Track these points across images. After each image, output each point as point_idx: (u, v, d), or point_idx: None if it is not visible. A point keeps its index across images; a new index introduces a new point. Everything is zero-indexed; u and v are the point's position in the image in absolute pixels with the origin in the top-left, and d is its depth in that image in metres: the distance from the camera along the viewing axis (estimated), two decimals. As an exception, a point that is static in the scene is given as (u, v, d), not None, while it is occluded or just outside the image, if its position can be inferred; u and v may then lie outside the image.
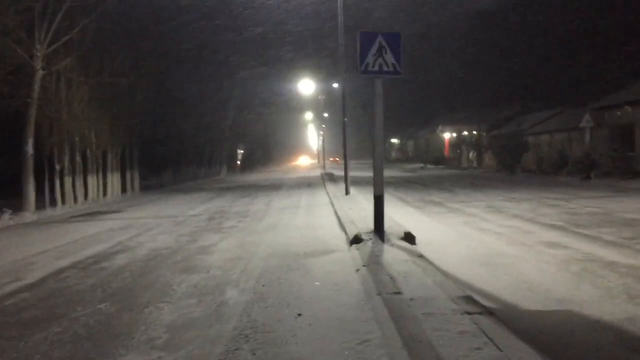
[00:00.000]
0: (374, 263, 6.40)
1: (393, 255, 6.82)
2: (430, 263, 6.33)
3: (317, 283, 6.06)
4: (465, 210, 13.52)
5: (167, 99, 31.61)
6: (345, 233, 9.32)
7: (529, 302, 5.17)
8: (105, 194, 23.93)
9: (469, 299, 4.71)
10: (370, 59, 8.02)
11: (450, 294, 4.88)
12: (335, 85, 50.00)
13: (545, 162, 30.03)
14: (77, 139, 21.31)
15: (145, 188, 29.26)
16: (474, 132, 52.80)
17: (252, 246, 9.13)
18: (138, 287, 6.61)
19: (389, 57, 8.05)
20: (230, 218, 14.00)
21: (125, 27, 23.22)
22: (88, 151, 22.48)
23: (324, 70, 47.06)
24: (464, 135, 54.31)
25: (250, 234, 10.67)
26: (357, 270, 6.34)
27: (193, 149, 40.78)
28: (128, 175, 27.04)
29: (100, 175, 23.61)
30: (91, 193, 22.59)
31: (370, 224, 9.49)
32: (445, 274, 5.87)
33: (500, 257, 7.22)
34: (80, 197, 21.37)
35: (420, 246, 7.83)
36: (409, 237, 8.09)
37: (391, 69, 8.09)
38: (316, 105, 60.99)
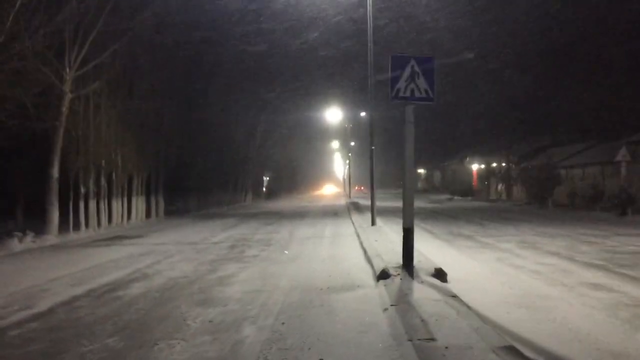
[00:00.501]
0: (403, 302, 5.92)
1: (424, 293, 6.33)
2: (465, 304, 5.82)
3: (339, 324, 5.60)
4: (497, 245, 12.92)
5: (194, 124, 31.64)
6: (372, 267, 8.83)
7: (578, 354, 4.63)
8: (129, 218, 23.80)
9: (511, 350, 4.21)
10: (402, 84, 7.64)
11: (490, 342, 4.37)
12: (363, 114, 49.96)
13: (578, 196, 29.12)
14: (103, 162, 21.27)
15: (170, 213, 29.12)
16: (503, 164, 51.91)
17: (273, 278, 8.71)
18: (151, 320, 6.23)
19: (422, 82, 7.66)
20: (252, 247, 13.62)
21: (154, 51, 23.40)
22: (114, 175, 22.43)
23: (353, 98, 46.93)
24: (493, 167, 53.43)
25: (272, 265, 10.26)
26: (385, 309, 5.86)
27: (219, 175, 40.75)
28: (153, 200, 26.94)
29: (125, 199, 23.51)
30: (115, 217, 22.46)
31: (397, 257, 9.01)
32: (482, 318, 5.36)
33: (541, 300, 6.66)
34: (104, 221, 21.23)
35: (452, 284, 7.32)
36: (439, 274, 7.58)
37: (424, 94, 7.70)
38: (343, 134, 60.81)
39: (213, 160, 37.82)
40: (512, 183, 44.93)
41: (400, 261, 8.17)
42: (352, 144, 59.77)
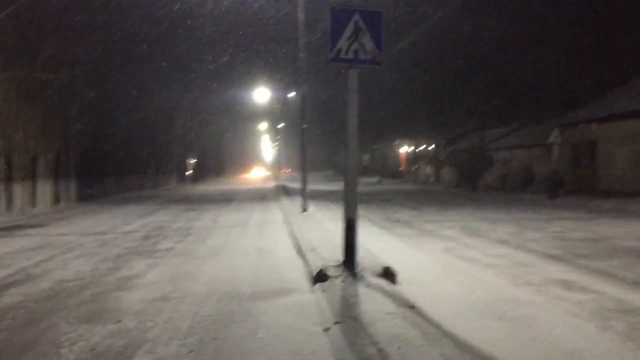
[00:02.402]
0: (349, 317, 4.57)
1: (374, 303, 5.01)
2: (428, 319, 4.55)
3: (267, 353, 4.18)
4: (440, 232, 11.88)
5: (111, 101, 29.08)
6: (306, 265, 7.45)
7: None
8: (34, 204, 21.33)
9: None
10: (343, 43, 6.24)
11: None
12: (292, 94, 48.42)
13: (509, 178, 28.96)
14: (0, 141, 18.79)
15: (84, 198, 26.62)
16: (432, 147, 51.95)
17: (186, 280, 7.17)
18: (10, 348, 4.59)
19: (368, 41, 6.29)
20: (168, 237, 11.96)
21: (62, 16, 20.88)
22: (14, 156, 19.93)
23: (281, 77, 45.26)
24: (421, 150, 53.40)
25: (187, 261, 8.68)
26: (327, 329, 4.48)
27: (140, 157, 38.24)
28: (63, 184, 24.42)
29: (29, 183, 21.02)
30: (17, 203, 20.01)
31: (335, 251, 7.68)
32: (454, 339, 4.09)
33: (512, 306, 5.47)
34: (2, 208, 18.80)
35: (404, 286, 6.06)
36: (388, 274, 6.30)
37: (370, 56, 6.33)
38: (271, 115, 59.08)
39: (133, 142, 35.35)
40: (441, 166, 44.85)
41: (340, 257, 6.84)
42: (281, 125, 58.20)
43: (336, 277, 6.07)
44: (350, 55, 6.28)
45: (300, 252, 8.63)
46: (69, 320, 5.35)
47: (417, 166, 51.06)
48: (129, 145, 34.85)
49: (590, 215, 15.46)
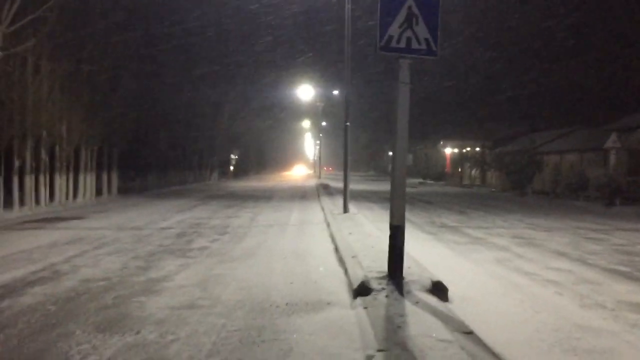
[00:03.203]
0: (395, 344, 3.94)
1: (424, 326, 4.36)
2: (490, 350, 3.88)
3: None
4: (490, 240, 11.08)
5: (155, 94, 29.02)
6: (346, 273, 6.83)
7: None
8: (76, 196, 21.36)
9: None
10: (394, 30, 5.59)
11: None
12: (336, 92, 47.84)
13: (560, 184, 27.64)
14: (44, 132, 18.78)
15: (126, 191, 26.68)
16: (477, 149, 50.49)
17: (217, 284, 6.65)
18: (16, 358, 4.15)
19: (422, 28, 5.63)
20: (204, 235, 11.54)
21: (109, 9, 20.79)
22: (57, 147, 19.95)
23: (325, 75, 44.82)
24: (467, 151, 51.98)
25: (220, 263, 8.18)
26: (369, 358, 3.86)
27: (182, 151, 38.31)
28: (105, 176, 24.46)
29: (72, 175, 21.04)
30: (59, 195, 20.04)
31: (378, 259, 7.06)
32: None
33: (586, 335, 4.73)
34: (44, 199, 18.81)
35: (457, 304, 5.39)
36: (438, 289, 5.63)
37: (424, 46, 5.67)
38: (314, 113, 58.62)
39: (176, 136, 35.40)
40: (486, 169, 43.48)
41: (384, 266, 6.21)
42: (324, 123, 57.69)
43: (380, 290, 5.43)
44: (402, 44, 5.63)
45: (340, 258, 8.01)
46: (85, 328, 4.88)
47: (461, 168, 49.76)
48: (172, 140, 34.93)
49: (654, 227, 14.36)
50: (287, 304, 5.62)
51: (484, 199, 25.75)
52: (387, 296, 5.27)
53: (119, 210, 17.97)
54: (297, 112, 64.06)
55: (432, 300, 5.23)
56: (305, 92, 43.42)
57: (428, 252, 9.06)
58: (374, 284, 5.63)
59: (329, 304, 5.56)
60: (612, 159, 22.62)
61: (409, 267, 6.27)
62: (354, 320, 4.81)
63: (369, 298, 5.29)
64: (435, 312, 4.76)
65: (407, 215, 14.53)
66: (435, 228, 13.21)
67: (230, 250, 9.48)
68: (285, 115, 63.59)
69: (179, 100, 33.88)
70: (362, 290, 5.54)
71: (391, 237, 5.82)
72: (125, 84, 24.03)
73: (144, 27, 25.22)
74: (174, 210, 17.52)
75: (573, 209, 20.28)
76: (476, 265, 8.16)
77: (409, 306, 4.97)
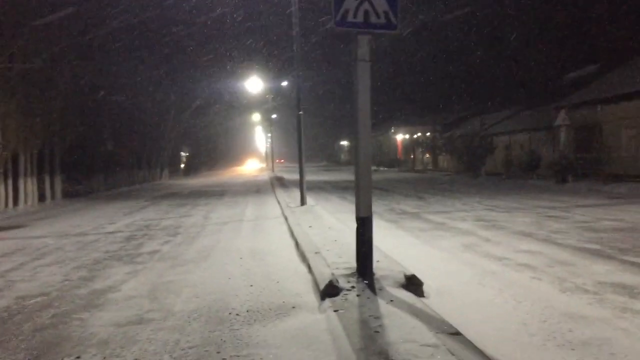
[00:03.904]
0: (376, 354, 3.44)
1: (404, 328, 3.89)
2: (482, 352, 3.44)
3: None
4: (453, 225, 10.78)
5: (96, 95, 27.70)
6: (310, 271, 6.30)
7: None
8: (16, 203, 20.10)
9: None
10: (350, 3, 5.08)
11: None
12: (285, 83, 47.17)
13: (513, 164, 27.89)
14: (-26, 137, 17.54)
15: (73, 195, 25.36)
16: (428, 134, 50.84)
17: (168, 293, 6.03)
18: None
19: (380, 0, 5.13)
20: (154, 237, 10.82)
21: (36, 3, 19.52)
22: (-8, 153, 18.68)
23: (273, 67, 44.11)
24: (418, 137, 52.29)
25: (172, 268, 7.54)
26: (347, 370, 3.36)
27: (130, 151, 36.91)
28: (48, 181, 23.16)
29: (10, 181, 19.77)
30: (-2, 203, 18.81)
31: (344, 254, 6.59)
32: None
33: (577, 325, 4.36)
34: (-20, 209, 17.60)
35: (434, 300, 4.96)
36: (412, 283, 5.18)
37: (383, 19, 5.18)
38: (264, 106, 57.81)
39: (122, 135, 34.06)
40: (438, 153, 43.81)
41: (351, 262, 5.75)
42: (274, 116, 56.98)
43: (350, 290, 4.94)
44: (359, 18, 5.13)
45: (302, 255, 7.49)
46: (16, 357, 4.22)
47: (413, 154, 50.00)
48: (118, 139, 33.59)
49: (611, 202, 14.43)
50: (247, 310, 5.06)
51: (439, 183, 25.70)
52: (358, 295, 4.78)
53: (63, 215, 16.93)
54: (247, 106, 62.98)
55: (408, 296, 4.77)
56: (254, 84, 42.65)
57: (393, 242, 8.65)
58: (343, 283, 5.14)
59: (295, 307, 5.02)
60: (562, 136, 22.85)
61: (378, 261, 5.81)
62: (324, 327, 4.29)
63: (338, 299, 4.78)
64: (413, 311, 4.29)
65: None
66: (396, 215, 12.85)
67: (182, 252, 8.83)
68: (234, 109, 62.37)
69: (122, 98, 32.55)
70: (330, 290, 5.02)
71: (358, 231, 5.34)
72: (63, 83, 22.77)
73: (83, 22, 23.94)
74: (121, 213, 16.61)
75: (528, 188, 20.37)
76: (445, 252, 7.79)
77: (383, 306, 4.49)
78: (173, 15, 32.59)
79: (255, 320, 4.75)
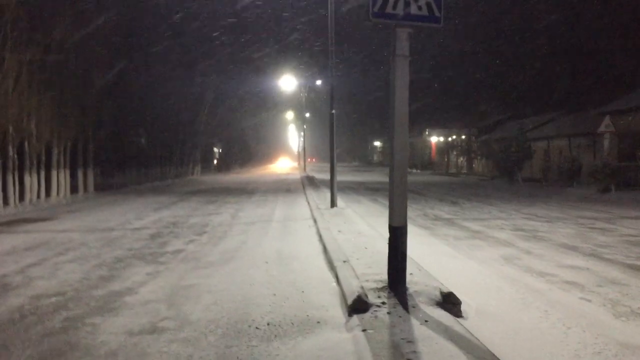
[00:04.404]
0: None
1: (440, 356, 3.46)
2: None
3: None
4: (491, 234, 10.23)
5: (132, 88, 27.79)
6: (338, 281, 5.89)
7: None
8: (49, 195, 20.18)
9: None
10: (390, -8, 4.65)
11: None
12: (319, 82, 46.84)
13: (552, 170, 26.95)
14: (10, 128, 17.58)
15: (105, 188, 25.45)
16: (463, 137, 49.86)
17: (187, 299, 5.71)
18: None
19: (423, -9, 4.69)
20: (180, 235, 10.56)
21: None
22: (26, 144, 18.74)
23: (308, 66, 43.86)
24: (453, 140, 51.34)
25: (194, 270, 7.23)
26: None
27: (163, 146, 37.04)
28: (80, 173, 23.25)
29: (43, 173, 19.84)
30: (29, 194, 18.84)
31: (375, 264, 6.16)
32: None
33: None
34: (13, 199, 17.62)
35: (474, 321, 4.49)
36: (449, 301, 4.72)
37: (425, 11, 4.74)
38: (298, 104, 57.63)
39: (156, 130, 34.18)
40: (474, 156, 42.89)
41: (381, 273, 5.33)
42: (307, 114, 56.72)
43: (380, 306, 4.52)
44: (399, 10, 4.69)
45: (329, 262, 7.08)
46: (15, 368, 3.93)
47: (447, 157, 49.14)
48: (151, 134, 33.72)
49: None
50: (268, 323, 4.68)
51: (474, 188, 25.00)
52: (389, 313, 4.36)
53: (92, 209, 16.90)
54: (281, 103, 62.98)
55: (444, 317, 4.32)
56: (288, 82, 42.49)
57: (426, 250, 8.18)
58: (372, 297, 4.72)
59: (319, 323, 4.62)
60: (606, 143, 21.90)
61: (411, 274, 5.37)
62: (351, 349, 3.87)
63: (367, 316, 4.36)
64: (451, 336, 3.85)
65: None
66: (429, 221, 12.34)
67: (207, 253, 8.52)
68: (268, 107, 62.37)
69: (158, 93, 32.65)
70: (358, 305, 4.60)
71: (391, 241, 4.90)
72: (99, 75, 22.83)
73: (119, 14, 24.01)
74: (150, 208, 16.48)
75: (568, 196, 19.58)
76: (482, 265, 7.28)
77: (417, 327, 4.06)
78: (210, 10, 32.59)
79: (275, 335, 4.36)
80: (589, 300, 5.42)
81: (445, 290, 4.87)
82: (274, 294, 5.74)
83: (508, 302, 5.30)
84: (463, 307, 4.80)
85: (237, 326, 4.67)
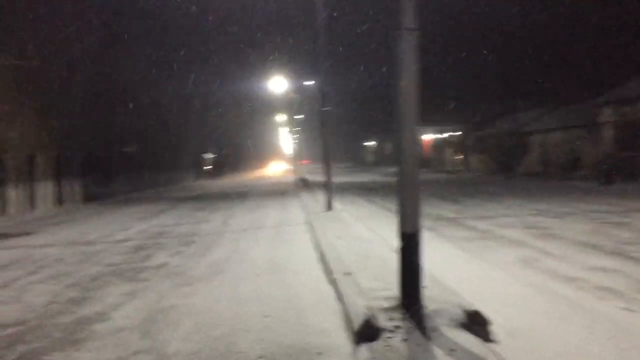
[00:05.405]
0: None
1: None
2: None
3: None
4: (501, 233, 9.47)
5: (119, 96, 26.95)
6: (339, 298, 5.10)
7: None
8: (34, 207, 19.34)
9: None
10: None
11: None
12: (308, 83, 46.08)
13: (551, 164, 26.28)
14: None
15: (93, 198, 24.54)
16: (458, 133, 49.16)
17: (165, 325, 4.91)
18: None
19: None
20: (165, 247, 9.76)
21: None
22: (8, 155, 17.90)
23: (298, 68, 43.18)
24: (448, 136, 50.63)
25: (177, 288, 6.43)
26: None
27: (153, 154, 36.18)
28: (67, 184, 22.37)
29: (26, 185, 19.00)
30: (13, 206, 18.02)
31: (381, 276, 5.40)
32: None
33: None
34: (-7, 212, 16.83)
35: (506, 346, 3.72)
36: (476, 322, 3.95)
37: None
38: (289, 106, 56.83)
39: (145, 137, 33.34)
40: (470, 153, 42.22)
41: (390, 287, 4.56)
42: (299, 116, 55.97)
43: (393, 331, 3.74)
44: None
45: (329, 274, 6.29)
46: None
47: (442, 154, 48.48)
48: (141, 142, 32.88)
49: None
50: (260, 357, 3.89)
51: (473, 185, 24.28)
52: (405, 340, 3.58)
53: (77, 220, 16.04)
54: (272, 106, 62.17)
55: (472, 342, 3.55)
56: (278, 84, 41.65)
57: (434, 255, 7.38)
58: (383, 320, 3.94)
59: (320, 354, 3.83)
60: (608, 133, 21.21)
61: (425, 287, 4.59)
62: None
63: (379, 345, 3.58)
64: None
65: (395, 207, 12.68)
66: (432, 221, 11.56)
67: (192, 267, 7.73)
68: (259, 109, 61.63)
69: (146, 100, 31.82)
70: (366, 331, 3.82)
71: (404, 251, 4.13)
72: (83, 82, 21.99)
73: (102, 19, 23.22)
74: (136, 218, 15.66)
75: (571, 190, 18.88)
76: (500, 270, 6.50)
77: (442, 359, 3.28)
78: (196, 13, 31.84)
79: (266, 375, 3.58)
80: (633, 311, 4.65)
81: (469, 308, 4.10)
82: (266, 315, 4.95)
83: (541, 317, 4.51)
84: (491, 327, 4.03)
85: (222, 360, 3.89)
